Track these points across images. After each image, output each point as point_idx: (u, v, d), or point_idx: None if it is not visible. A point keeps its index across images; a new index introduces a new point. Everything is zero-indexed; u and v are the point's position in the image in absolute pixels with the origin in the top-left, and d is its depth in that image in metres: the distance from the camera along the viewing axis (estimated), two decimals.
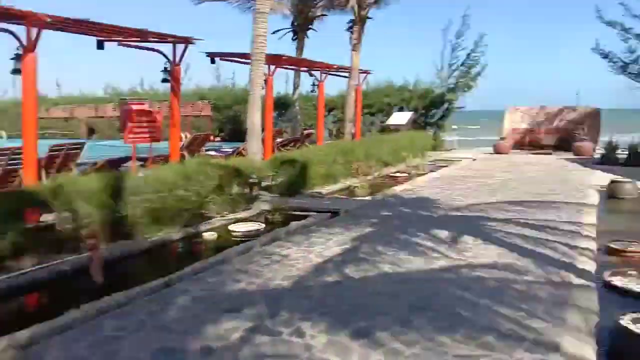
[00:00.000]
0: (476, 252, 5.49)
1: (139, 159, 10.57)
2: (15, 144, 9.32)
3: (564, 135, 18.13)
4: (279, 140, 14.45)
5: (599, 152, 15.60)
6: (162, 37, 10.19)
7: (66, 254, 5.23)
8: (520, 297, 4.15)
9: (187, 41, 10.38)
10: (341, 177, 11.05)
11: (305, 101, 22.48)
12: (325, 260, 5.28)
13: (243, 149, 11.26)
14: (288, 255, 5.50)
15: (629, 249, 5.61)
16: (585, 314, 3.75)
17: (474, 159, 15.35)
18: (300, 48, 19.25)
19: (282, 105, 22.60)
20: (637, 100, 17.55)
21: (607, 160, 13.56)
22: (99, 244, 5.10)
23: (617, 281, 4.60)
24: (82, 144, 10.62)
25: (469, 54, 20.37)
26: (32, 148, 7.90)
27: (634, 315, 3.61)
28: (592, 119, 17.70)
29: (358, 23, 14.54)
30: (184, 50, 10.53)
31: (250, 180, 8.80)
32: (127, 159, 10.66)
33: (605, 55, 17.38)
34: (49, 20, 7.48)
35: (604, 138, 17.52)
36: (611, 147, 13.91)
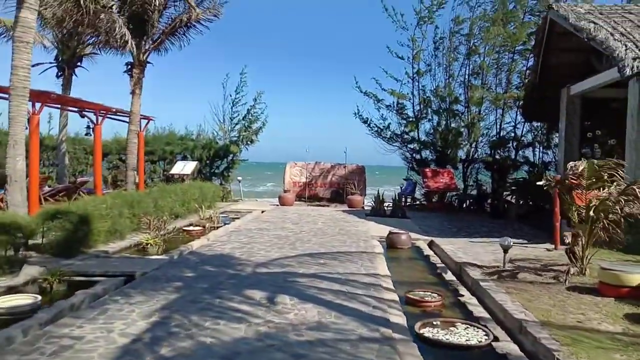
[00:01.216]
0: (297, 313, 5.32)
1: None
2: None
3: (336, 189, 19.94)
4: (46, 189, 12.29)
5: (368, 204, 17.55)
6: None
7: None
8: None
9: None
10: (128, 232, 9.90)
11: (72, 144, 20.02)
12: (133, 340, 4.43)
13: (1, 199, 9.18)
14: (83, 338, 4.46)
15: (425, 299, 6.17)
16: None
17: (263, 211, 15.59)
18: (67, 86, 17.11)
19: (44, 147, 19.63)
20: (394, 160, 20.15)
21: (377, 212, 15.29)
22: None
23: (428, 333, 4.95)
24: None
25: (249, 110, 21.17)
26: None
27: None
28: (359, 175, 19.93)
29: (137, 66, 13.66)
30: None
31: (16, 241, 7.14)
32: None
33: (364, 121, 20.02)
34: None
35: (369, 191, 19.94)
36: (379, 201, 15.77)
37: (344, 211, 16.32)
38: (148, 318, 5.03)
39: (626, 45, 9.18)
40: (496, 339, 4.85)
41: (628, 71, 8.73)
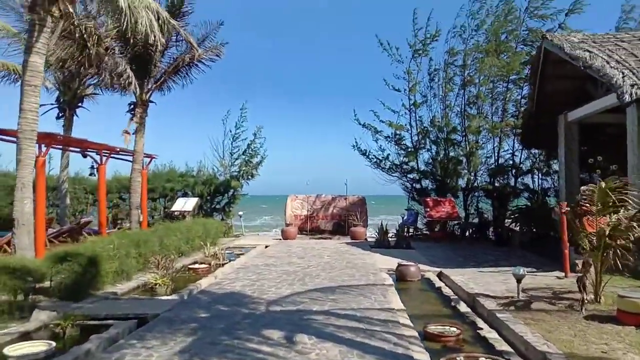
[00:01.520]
0: (319, 352, 5.24)
1: None
2: None
3: (338, 221, 19.92)
4: (50, 231, 12.21)
5: (371, 236, 17.50)
6: None
7: None
8: None
9: None
10: (134, 272, 9.80)
11: (72, 184, 19.99)
12: None
13: (6, 242, 9.10)
14: None
15: (444, 333, 6.10)
16: None
17: (266, 246, 15.50)
18: (68, 127, 17.25)
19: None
20: (390, 189, 20.23)
21: (381, 244, 15.24)
22: None
23: None
24: None
25: (249, 144, 21.35)
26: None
27: None
28: (361, 206, 19.95)
29: (140, 106, 13.87)
30: None
31: (26, 285, 7.06)
32: None
33: (363, 153, 20.18)
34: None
35: (371, 222, 19.95)
36: (383, 232, 15.75)
37: (347, 243, 16.25)
38: None
39: (623, 73, 9.40)
40: None
41: (627, 98, 8.92)
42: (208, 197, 20.61)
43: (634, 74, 9.46)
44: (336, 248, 14.95)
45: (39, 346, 5.57)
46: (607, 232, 7.01)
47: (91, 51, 11.18)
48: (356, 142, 20.05)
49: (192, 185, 20.64)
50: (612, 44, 11.26)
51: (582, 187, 7.74)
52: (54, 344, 5.60)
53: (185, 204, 18.73)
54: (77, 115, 17.17)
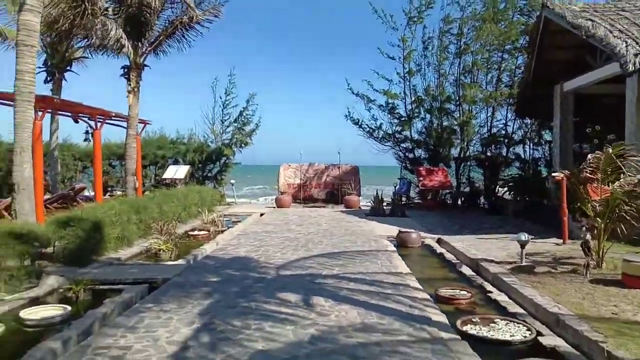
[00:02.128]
0: (338, 314, 5.31)
1: None
2: None
3: (331, 189, 19.95)
4: (44, 198, 11.97)
5: (365, 204, 17.59)
6: None
7: None
8: None
9: None
10: (135, 238, 9.72)
11: (60, 150, 19.58)
12: (181, 348, 4.36)
13: (5, 208, 8.92)
14: (130, 347, 4.37)
15: (456, 296, 6.22)
16: None
17: (262, 214, 15.50)
18: (57, 91, 16.74)
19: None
20: (383, 160, 20.25)
21: (377, 212, 15.35)
22: None
23: (471, 330, 4.98)
24: None
25: (241, 112, 21.04)
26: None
27: None
28: (354, 175, 19.98)
29: (134, 70, 13.52)
30: None
31: (33, 250, 6.97)
32: None
33: (355, 122, 20.07)
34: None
35: (364, 191, 20.05)
36: (379, 200, 15.84)
37: (342, 212, 16.34)
38: (190, 325, 4.95)
39: (626, 42, 9.40)
40: (539, 333, 4.91)
41: (631, 67, 8.94)
42: (199, 165, 20.41)
43: (637, 43, 9.47)
44: (332, 216, 15.03)
45: (54, 310, 5.54)
46: (615, 199, 7.11)
47: (87, 9, 10.74)
48: (348, 111, 19.95)
49: (184, 153, 20.40)
50: (613, 14, 11.22)
51: (589, 155, 7.81)
52: (69, 308, 5.57)
53: (176, 171, 18.53)
54: (65, 80, 16.65)
